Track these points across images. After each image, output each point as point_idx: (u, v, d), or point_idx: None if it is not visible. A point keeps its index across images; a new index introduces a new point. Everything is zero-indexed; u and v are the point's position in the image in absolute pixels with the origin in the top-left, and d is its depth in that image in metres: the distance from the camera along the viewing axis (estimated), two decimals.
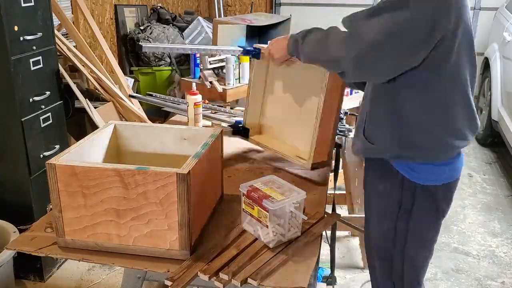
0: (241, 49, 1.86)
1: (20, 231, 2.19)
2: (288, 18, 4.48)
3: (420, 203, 1.41)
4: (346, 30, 1.32)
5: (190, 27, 4.58)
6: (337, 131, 1.89)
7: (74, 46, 3.10)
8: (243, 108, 2.39)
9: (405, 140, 1.36)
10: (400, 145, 1.37)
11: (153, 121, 3.30)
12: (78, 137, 2.60)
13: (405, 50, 1.24)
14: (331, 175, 2.01)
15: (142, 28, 4.32)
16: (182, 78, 3.68)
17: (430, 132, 1.34)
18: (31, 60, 2.26)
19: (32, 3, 2.25)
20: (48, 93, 2.38)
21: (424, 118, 1.32)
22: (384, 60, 1.27)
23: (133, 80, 3.72)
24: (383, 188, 1.45)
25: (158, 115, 3.98)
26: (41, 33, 2.31)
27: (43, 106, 2.37)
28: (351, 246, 2.86)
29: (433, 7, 1.21)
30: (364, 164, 1.58)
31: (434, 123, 1.33)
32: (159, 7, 4.68)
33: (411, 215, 1.42)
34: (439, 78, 1.30)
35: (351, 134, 2.46)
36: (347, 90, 2.55)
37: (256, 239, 1.31)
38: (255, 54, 1.85)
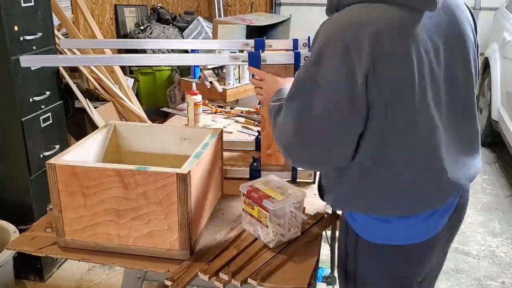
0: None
1: (20, 231, 2.19)
2: (288, 18, 4.48)
3: (365, 260, 1.23)
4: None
5: (190, 27, 4.58)
6: None
7: None
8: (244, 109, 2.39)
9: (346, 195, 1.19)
10: (355, 199, 1.18)
11: (153, 121, 3.30)
12: (78, 137, 2.60)
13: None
14: None
15: (142, 28, 4.32)
16: (182, 78, 3.68)
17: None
18: None
19: (32, 3, 2.25)
20: (48, 93, 2.38)
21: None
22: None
23: (133, 80, 3.72)
24: (339, 234, 1.31)
25: (158, 115, 3.98)
26: (41, 33, 2.31)
27: (43, 106, 2.37)
28: None
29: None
30: None
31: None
32: (159, 7, 4.68)
33: (356, 272, 1.25)
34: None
35: None
36: None
37: (256, 239, 1.31)
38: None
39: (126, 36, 4.31)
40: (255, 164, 1.69)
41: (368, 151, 1.08)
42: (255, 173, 1.65)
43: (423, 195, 1.13)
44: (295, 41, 1.65)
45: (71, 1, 3.59)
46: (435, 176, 1.12)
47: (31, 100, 2.28)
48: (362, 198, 1.15)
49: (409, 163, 1.10)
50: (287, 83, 1.33)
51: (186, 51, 4.33)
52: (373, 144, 1.08)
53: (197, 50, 2.85)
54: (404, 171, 1.10)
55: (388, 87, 1.02)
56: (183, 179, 1.14)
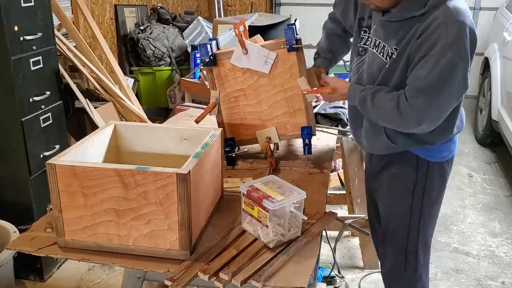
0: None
1: (20, 231, 2.19)
2: (288, 18, 4.48)
3: (431, 179, 1.63)
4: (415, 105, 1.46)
5: (190, 27, 4.58)
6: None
7: (74, 46, 3.10)
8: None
9: (423, 137, 1.56)
10: (420, 141, 1.58)
11: (153, 121, 3.30)
12: (78, 137, 2.60)
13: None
14: (332, 175, 2.01)
15: (142, 28, 4.32)
16: (182, 78, 3.68)
17: (445, 123, 1.53)
18: (31, 60, 2.26)
19: (32, 3, 2.25)
20: (48, 93, 2.38)
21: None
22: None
23: (133, 80, 3.72)
24: (398, 171, 1.66)
25: (158, 115, 3.98)
26: (41, 33, 2.31)
27: (43, 106, 2.37)
28: (351, 246, 2.86)
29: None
30: (372, 157, 1.77)
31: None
32: (159, 7, 4.68)
33: (425, 191, 1.64)
34: None
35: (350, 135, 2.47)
36: None
37: (256, 239, 1.31)
38: (209, 62, 1.79)
39: (126, 36, 4.31)
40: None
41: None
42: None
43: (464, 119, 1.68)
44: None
45: (71, 1, 3.59)
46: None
47: (31, 100, 2.28)
48: (447, 129, 1.58)
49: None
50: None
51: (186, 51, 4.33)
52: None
53: (196, 51, 2.83)
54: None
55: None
56: (183, 179, 1.14)
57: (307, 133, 1.82)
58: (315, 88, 1.76)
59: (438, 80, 1.40)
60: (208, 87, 1.81)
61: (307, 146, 1.84)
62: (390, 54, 1.53)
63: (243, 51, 1.76)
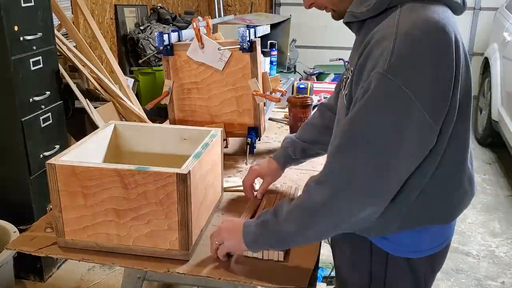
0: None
1: (20, 231, 2.19)
2: (288, 18, 4.48)
3: (394, 277, 1.16)
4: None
5: (190, 27, 4.58)
6: None
7: (74, 46, 3.10)
8: None
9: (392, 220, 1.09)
10: (386, 226, 1.10)
11: (153, 121, 3.30)
12: (78, 137, 2.60)
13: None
14: None
15: (142, 28, 4.32)
16: None
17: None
18: (31, 60, 2.26)
19: (32, 3, 2.25)
20: (48, 93, 2.38)
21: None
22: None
23: (133, 80, 3.72)
24: (352, 255, 1.22)
25: (158, 115, 3.98)
26: (41, 33, 2.31)
27: (43, 106, 2.37)
28: None
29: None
30: None
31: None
32: (159, 7, 4.68)
33: None
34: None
35: None
36: None
37: None
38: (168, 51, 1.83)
39: (126, 36, 4.31)
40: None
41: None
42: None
43: (467, 198, 1.16)
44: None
45: (71, 1, 3.59)
46: (471, 180, 1.16)
47: (31, 100, 2.28)
48: (416, 214, 1.08)
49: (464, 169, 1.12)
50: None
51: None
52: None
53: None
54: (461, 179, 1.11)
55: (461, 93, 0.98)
56: (183, 179, 1.14)
57: (253, 134, 1.86)
58: (267, 93, 1.79)
59: (365, 115, 0.94)
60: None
61: (249, 146, 1.87)
62: (346, 81, 1.10)
63: (200, 45, 1.79)
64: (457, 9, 1.04)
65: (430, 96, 0.91)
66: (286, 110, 2.08)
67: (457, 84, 0.95)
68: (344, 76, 1.17)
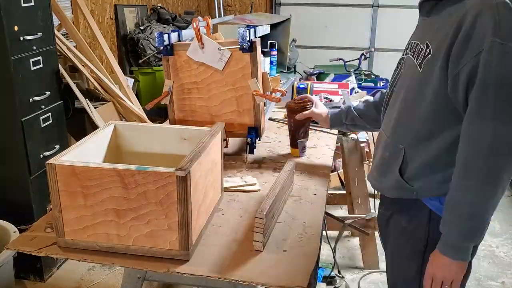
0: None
1: (20, 231, 2.19)
2: (288, 18, 4.48)
3: None
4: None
5: (190, 27, 4.58)
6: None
7: (74, 46, 3.10)
8: None
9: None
10: (446, 185, 1.21)
11: (153, 121, 3.30)
12: (78, 137, 2.60)
13: None
14: (332, 175, 2.00)
15: (142, 28, 4.32)
16: None
17: None
18: (31, 60, 2.26)
19: (32, 3, 2.26)
20: (48, 93, 2.38)
21: None
22: None
23: (133, 80, 3.72)
24: (407, 226, 1.32)
25: (158, 115, 3.98)
26: (41, 33, 2.31)
27: (43, 106, 2.37)
28: (351, 246, 2.86)
29: None
30: (380, 198, 1.48)
31: None
32: (159, 7, 4.68)
33: None
34: None
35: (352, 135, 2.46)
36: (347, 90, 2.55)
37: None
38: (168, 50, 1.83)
39: (126, 36, 4.31)
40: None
41: None
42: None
43: None
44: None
45: (71, 1, 3.59)
46: None
47: (31, 100, 2.28)
48: None
49: None
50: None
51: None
52: None
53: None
54: None
55: None
56: (183, 179, 1.14)
57: (253, 134, 1.86)
58: (267, 93, 1.80)
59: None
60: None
61: (249, 146, 1.87)
62: (422, 54, 1.22)
63: (200, 45, 1.79)
64: None
65: None
66: (286, 111, 2.05)
67: None
68: (412, 51, 1.29)
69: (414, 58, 1.25)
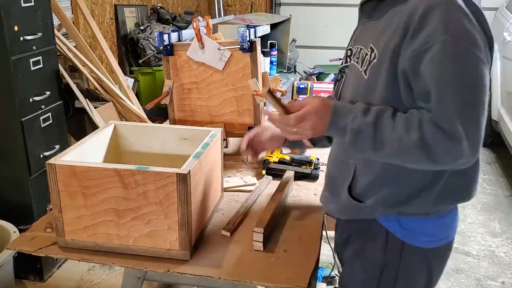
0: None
1: (20, 231, 2.19)
2: (288, 18, 4.48)
3: (407, 268, 1.17)
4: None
5: (190, 27, 4.58)
6: None
7: (74, 46, 3.10)
8: None
9: (409, 191, 1.11)
10: (403, 200, 1.12)
11: (153, 121, 3.30)
12: (78, 137, 2.60)
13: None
14: None
15: (142, 28, 4.32)
16: None
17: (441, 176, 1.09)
18: (31, 60, 2.26)
19: (32, 3, 2.25)
20: (48, 93, 2.38)
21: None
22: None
23: (133, 80, 3.72)
24: (362, 249, 1.22)
25: (158, 115, 3.97)
26: (41, 33, 2.31)
27: (43, 106, 2.37)
28: None
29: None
30: (338, 222, 1.35)
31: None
32: (159, 7, 4.68)
33: (397, 280, 1.18)
34: None
35: None
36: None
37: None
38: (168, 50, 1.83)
39: (126, 36, 4.31)
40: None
41: None
42: None
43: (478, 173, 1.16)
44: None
45: (71, 1, 3.58)
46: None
47: (31, 100, 2.28)
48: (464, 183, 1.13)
49: None
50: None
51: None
52: None
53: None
54: None
55: None
56: (183, 179, 1.14)
57: None
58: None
59: (457, 72, 0.98)
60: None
61: None
62: (368, 59, 1.12)
63: (200, 45, 1.79)
64: None
65: (485, 49, 1.01)
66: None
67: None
68: (355, 57, 1.18)
69: (359, 65, 1.14)
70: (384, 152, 1.03)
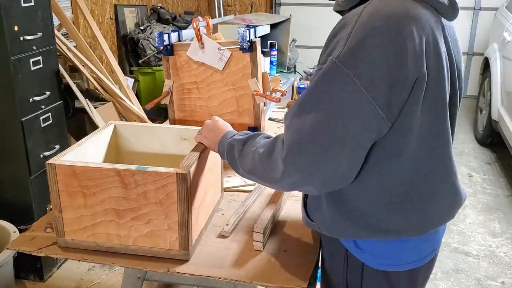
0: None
1: (20, 231, 2.19)
2: (288, 18, 4.48)
3: (372, 286, 1.10)
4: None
5: (190, 27, 4.58)
6: None
7: (74, 46, 3.10)
8: None
9: (355, 213, 1.03)
10: (348, 224, 1.04)
11: (153, 121, 3.30)
12: (78, 137, 2.60)
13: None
14: None
15: (142, 28, 4.32)
16: None
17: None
18: (31, 60, 2.26)
19: (32, 3, 2.25)
20: (48, 93, 2.38)
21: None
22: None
23: (133, 80, 3.72)
24: (329, 264, 1.20)
25: (158, 115, 3.98)
26: (41, 33, 2.31)
27: (43, 106, 2.37)
28: None
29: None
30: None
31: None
32: (159, 7, 4.68)
33: None
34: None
35: None
36: None
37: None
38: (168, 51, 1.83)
39: (126, 36, 4.31)
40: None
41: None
42: None
43: (446, 211, 1.08)
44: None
45: (71, 1, 3.59)
46: (455, 191, 1.07)
47: (31, 100, 2.28)
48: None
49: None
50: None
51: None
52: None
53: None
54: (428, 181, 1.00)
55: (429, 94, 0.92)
56: (183, 179, 1.14)
57: None
58: (267, 93, 1.78)
59: (315, 91, 0.93)
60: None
61: None
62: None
63: (200, 45, 1.79)
64: (442, 10, 0.95)
65: (382, 88, 0.87)
66: (286, 110, 2.06)
67: (422, 81, 0.89)
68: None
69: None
70: (244, 167, 1.09)
